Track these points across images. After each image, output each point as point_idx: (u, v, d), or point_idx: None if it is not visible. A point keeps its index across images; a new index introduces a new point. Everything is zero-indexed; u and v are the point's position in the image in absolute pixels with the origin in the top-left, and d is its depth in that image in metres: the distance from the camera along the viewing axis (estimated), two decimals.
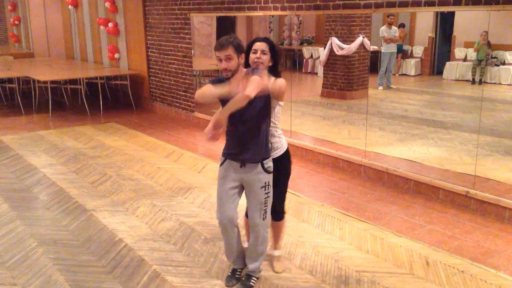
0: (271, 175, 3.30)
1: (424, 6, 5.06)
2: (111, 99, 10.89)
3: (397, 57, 10.22)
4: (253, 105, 3.05)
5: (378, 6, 5.46)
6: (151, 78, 9.81)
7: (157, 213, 4.78)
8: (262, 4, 6.90)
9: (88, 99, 9.96)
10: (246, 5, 7.18)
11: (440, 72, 9.72)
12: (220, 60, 3.07)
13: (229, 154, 3.30)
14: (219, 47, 3.05)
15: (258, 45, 3.27)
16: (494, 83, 8.79)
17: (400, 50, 10.11)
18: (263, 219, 3.32)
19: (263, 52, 3.26)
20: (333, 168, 6.10)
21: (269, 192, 3.29)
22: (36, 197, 5.25)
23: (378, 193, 5.30)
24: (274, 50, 3.30)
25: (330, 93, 9.67)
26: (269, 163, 3.27)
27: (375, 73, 9.64)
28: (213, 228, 4.40)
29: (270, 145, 3.32)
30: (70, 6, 12.20)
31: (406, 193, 5.26)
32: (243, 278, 3.49)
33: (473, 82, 8.96)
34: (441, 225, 4.47)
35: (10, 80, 10.30)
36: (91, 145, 7.27)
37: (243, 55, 3.15)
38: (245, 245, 3.57)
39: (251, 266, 3.48)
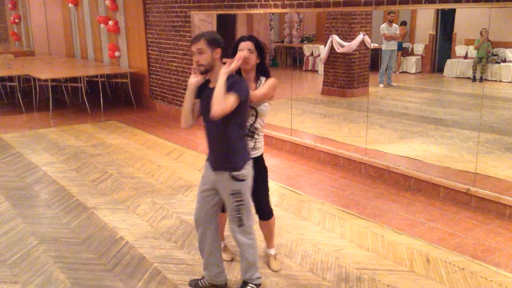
0: (245, 182, 3.08)
1: (425, 3, 5.06)
2: (112, 97, 10.88)
3: (397, 55, 10.21)
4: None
5: (378, 3, 5.45)
6: (152, 76, 9.81)
7: (158, 211, 4.79)
8: (263, 2, 6.89)
9: (89, 97, 9.96)
10: (246, 3, 7.17)
11: (440, 70, 9.72)
12: (194, 53, 3.01)
13: (208, 155, 3.23)
14: (192, 40, 3.02)
15: (244, 45, 3.25)
16: (495, 80, 8.79)
17: (400, 47, 10.09)
18: (239, 226, 3.15)
19: (249, 51, 3.24)
20: (333, 166, 6.10)
21: (241, 200, 3.08)
22: (36, 195, 5.26)
23: (378, 190, 5.30)
24: (259, 48, 3.29)
25: (330, 90, 9.67)
26: (240, 172, 3.05)
27: (375, 70, 9.64)
28: None
29: (245, 153, 3.13)
30: (70, 4, 12.20)
31: (406, 191, 5.26)
32: (240, 286, 3.32)
33: (474, 79, 8.95)
34: (441, 223, 4.47)
35: (10, 78, 10.29)
36: (92, 143, 7.28)
37: (218, 49, 3.00)
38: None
39: (246, 275, 3.29)
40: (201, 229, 3.27)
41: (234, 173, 3.03)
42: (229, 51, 3.29)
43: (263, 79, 3.35)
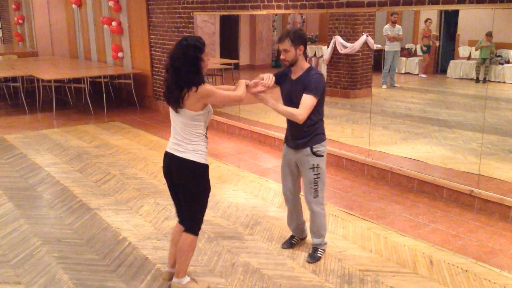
0: (322, 158, 3.61)
1: (428, 4, 5.04)
2: (115, 98, 10.91)
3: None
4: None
5: (381, 4, 5.44)
6: (155, 77, 9.82)
7: (161, 211, 4.79)
8: (266, 3, 6.89)
9: (92, 98, 9.98)
10: (249, 4, 7.17)
11: (444, 71, 9.69)
12: (280, 52, 3.45)
13: (287, 138, 3.78)
14: (278, 39, 3.46)
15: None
16: (498, 81, 8.76)
17: (428, 50, 9.76)
18: (314, 197, 3.66)
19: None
20: (336, 167, 6.09)
21: (318, 174, 3.61)
22: (40, 196, 5.27)
23: (381, 192, 5.29)
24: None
25: (333, 91, 9.65)
26: (319, 148, 3.59)
27: (378, 71, 9.62)
28: (216, 227, 4.41)
29: (322, 134, 3.63)
30: (74, 5, 12.22)
31: (409, 192, 5.25)
32: (311, 251, 3.84)
33: (477, 80, 8.92)
34: (445, 224, 4.46)
35: (14, 79, 10.32)
36: (95, 144, 7.29)
37: (301, 46, 3.39)
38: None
39: (315, 240, 3.82)
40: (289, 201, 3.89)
41: (315, 149, 3.55)
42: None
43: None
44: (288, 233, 4.13)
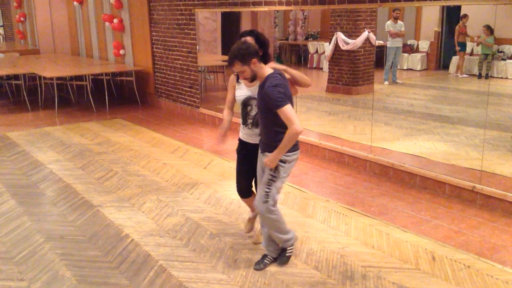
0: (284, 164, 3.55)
1: (430, 0, 5.03)
2: (117, 95, 10.91)
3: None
4: None
5: (383, 0, 5.43)
6: (156, 74, 9.82)
7: (163, 208, 4.80)
8: None
9: (94, 95, 9.99)
10: (251, 0, 7.16)
11: (446, 67, 9.66)
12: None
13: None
14: (229, 63, 3.32)
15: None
16: (501, 77, 8.73)
17: (463, 48, 9.31)
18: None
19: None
20: (338, 164, 6.09)
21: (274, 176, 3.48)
22: (42, 193, 5.28)
23: (383, 188, 5.29)
24: (260, 41, 3.44)
25: (335, 88, 9.63)
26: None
27: (380, 68, 9.59)
28: (219, 224, 4.42)
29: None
30: (75, 3, 12.23)
31: (412, 188, 5.25)
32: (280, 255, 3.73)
33: (480, 76, 8.89)
34: (447, 220, 4.46)
35: (16, 77, 10.33)
36: (97, 141, 7.30)
37: (253, 60, 3.25)
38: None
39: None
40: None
41: (284, 157, 3.45)
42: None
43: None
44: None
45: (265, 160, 3.37)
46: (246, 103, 3.63)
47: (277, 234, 3.57)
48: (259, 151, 3.59)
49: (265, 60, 3.48)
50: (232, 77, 3.75)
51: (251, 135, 3.70)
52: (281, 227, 3.58)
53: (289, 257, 3.71)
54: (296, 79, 3.54)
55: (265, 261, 3.68)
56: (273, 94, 3.20)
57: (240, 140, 3.82)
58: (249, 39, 3.45)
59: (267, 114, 3.33)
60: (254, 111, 3.61)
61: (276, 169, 3.39)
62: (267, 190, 3.41)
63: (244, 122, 3.70)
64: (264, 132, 3.45)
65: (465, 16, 9.01)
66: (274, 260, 3.70)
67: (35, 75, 9.98)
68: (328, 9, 9.52)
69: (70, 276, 3.59)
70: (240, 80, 3.66)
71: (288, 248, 3.70)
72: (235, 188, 3.95)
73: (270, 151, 3.37)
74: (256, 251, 3.91)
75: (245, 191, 3.89)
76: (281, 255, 3.70)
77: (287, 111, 3.20)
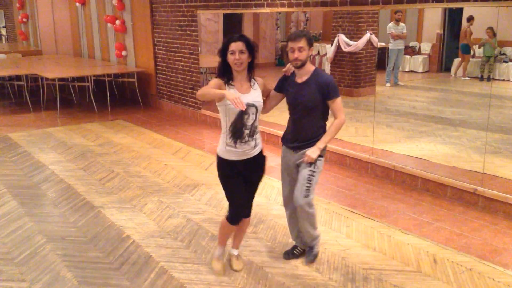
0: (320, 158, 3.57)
1: (432, 2, 5.03)
2: (119, 97, 10.92)
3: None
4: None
5: (385, 2, 5.43)
6: (158, 75, 9.83)
7: (165, 210, 4.80)
8: (269, 1, 6.88)
9: (96, 97, 10.00)
10: (253, 2, 7.16)
11: (448, 69, 9.64)
12: (293, 50, 3.34)
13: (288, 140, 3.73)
14: (292, 38, 3.35)
15: (235, 46, 3.18)
16: (503, 79, 8.72)
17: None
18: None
19: (241, 52, 3.19)
20: (340, 166, 6.09)
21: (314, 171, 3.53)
22: (44, 194, 5.28)
23: (385, 190, 5.28)
24: (251, 47, 3.23)
25: None
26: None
27: (382, 69, 9.59)
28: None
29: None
30: (77, 4, 12.25)
31: (413, 191, 5.24)
32: (306, 252, 3.81)
33: (482, 78, 8.88)
34: (448, 223, 4.45)
35: (18, 78, 10.35)
36: (99, 142, 7.31)
37: (312, 48, 3.40)
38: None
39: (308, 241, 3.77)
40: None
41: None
42: (218, 52, 3.27)
43: (257, 79, 3.40)
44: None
45: (308, 153, 3.43)
46: (243, 111, 3.16)
47: (310, 229, 3.64)
48: (290, 151, 3.59)
49: (251, 68, 3.30)
50: (216, 81, 3.29)
51: (246, 150, 3.30)
52: (315, 222, 3.68)
53: (316, 255, 3.77)
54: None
55: (295, 252, 3.84)
56: (335, 84, 3.45)
57: (227, 162, 3.33)
58: (240, 44, 3.18)
59: (315, 109, 3.44)
60: (251, 120, 3.25)
61: (315, 163, 3.48)
62: (308, 185, 3.47)
63: (239, 137, 3.25)
64: (305, 129, 3.50)
65: (472, 18, 8.96)
66: (302, 252, 3.85)
67: (37, 76, 10.00)
68: (330, 11, 9.52)
69: (71, 277, 3.58)
70: (231, 84, 3.28)
71: (315, 247, 3.77)
72: None
73: (310, 146, 3.47)
74: (257, 252, 3.91)
75: (247, 205, 3.50)
76: (308, 253, 3.78)
77: (341, 101, 3.45)
